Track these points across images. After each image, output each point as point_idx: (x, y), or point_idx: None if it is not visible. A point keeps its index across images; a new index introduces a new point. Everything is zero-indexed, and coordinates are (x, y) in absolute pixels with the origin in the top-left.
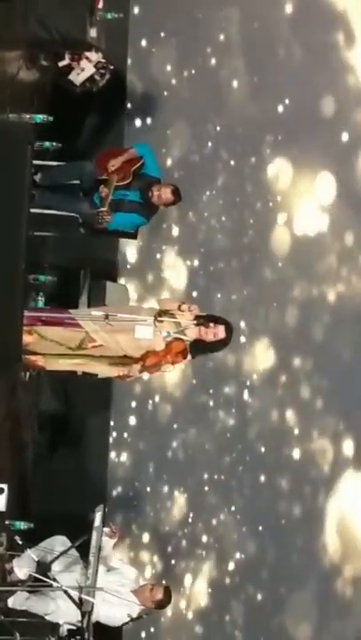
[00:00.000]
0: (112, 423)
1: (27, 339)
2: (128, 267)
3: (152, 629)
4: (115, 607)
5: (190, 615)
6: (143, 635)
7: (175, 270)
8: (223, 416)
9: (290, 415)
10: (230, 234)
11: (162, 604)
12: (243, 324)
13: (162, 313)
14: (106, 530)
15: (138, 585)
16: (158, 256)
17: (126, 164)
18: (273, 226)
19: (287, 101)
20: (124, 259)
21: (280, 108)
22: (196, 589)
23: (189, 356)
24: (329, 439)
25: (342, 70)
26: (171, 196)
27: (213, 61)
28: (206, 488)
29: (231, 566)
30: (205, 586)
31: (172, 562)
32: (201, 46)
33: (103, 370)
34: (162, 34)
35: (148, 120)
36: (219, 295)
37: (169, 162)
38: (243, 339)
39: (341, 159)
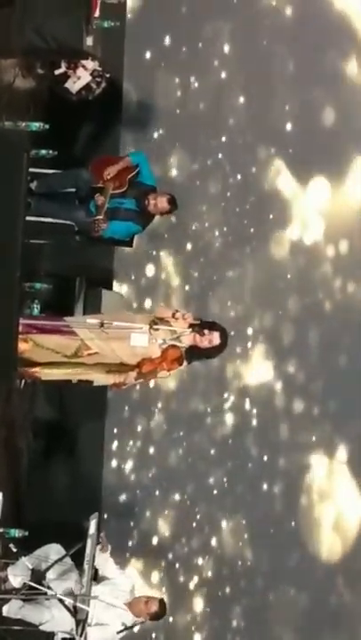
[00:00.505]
0: (107, 431)
1: (22, 346)
2: (125, 274)
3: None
4: (106, 626)
5: (189, 621)
6: None
7: (171, 278)
8: (220, 423)
9: (288, 423)
10: (229, 243)
11: (156, 617)
12: (245, 332)
13: (157, 321)
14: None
15: (132, 596)
16: (153, 264)
17: (122, 172)
18: (273, 235)
19: (287, 109)
20: (121, 265)
21: (280, 120)
22: (194, 597)
23: (185, 363)
24: (323, 447)
25: (343, 81)
26: (167, 205)
27: (211, 70)
28: (203, 495)
29: (230, 573)
30: (204, 592)
31: (169, 569)
32: (198, 55)
33: (99, 377)
34: (158, 42)
35: (144, 128)
36: (216, 304)
37: (164, 170)
38: (240, 347)
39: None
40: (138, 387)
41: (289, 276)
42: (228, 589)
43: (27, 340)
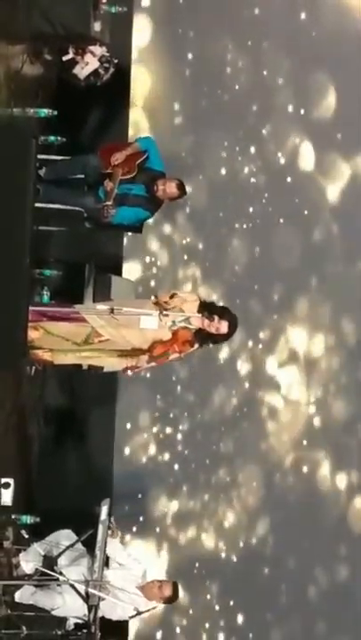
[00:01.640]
0: (118, 416)
1: (32, 334)
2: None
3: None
4: (119, 606)
5: (198, 606)
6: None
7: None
8: (231, 407)
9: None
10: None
11: (170, 601)
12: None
13: (166, 306)
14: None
15: (145, 581)
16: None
17: (131, 158)
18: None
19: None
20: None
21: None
22: (204, 581)
23: (196, 345)
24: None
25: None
26: (176, 191)
27: (220, 54)
28: (213, 480)
29: (237, 557)
30: (213, 579)
31: (180, 555)
32: (207, 40)
33: (110, 362)
34: (166, 28)
35: (152, 113)
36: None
37: (173, 154)
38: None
39: None
40: (149, 373)
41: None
42: (237, 572)
43: (37, 328)
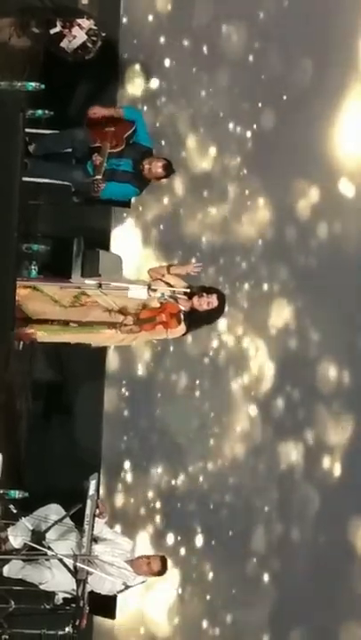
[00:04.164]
0: (106, 392)
1: (21, 292)
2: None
3: None
4: (108, 581)
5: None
6: None
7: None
8: (222, 387)
9: None
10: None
11: (158, 574)
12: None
13: (154, 282)
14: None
15: (133, 556)
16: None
17: (118, 130)
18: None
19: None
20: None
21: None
22: (193, 554)
23: (183, 327)
24: None
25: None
26: (161, 171)
27: (209, 25)
28: (201, 455)
29: (230, 534)
30: (202, 549)
31: (167, 531)
32: (195, 13)
33: (99, 339)
34: (154, 1)
35: (141, 87)
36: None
37: (161, 127)
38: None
39: None
40: (137, 347)
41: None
42: (226, 554)
43: (25, 287)
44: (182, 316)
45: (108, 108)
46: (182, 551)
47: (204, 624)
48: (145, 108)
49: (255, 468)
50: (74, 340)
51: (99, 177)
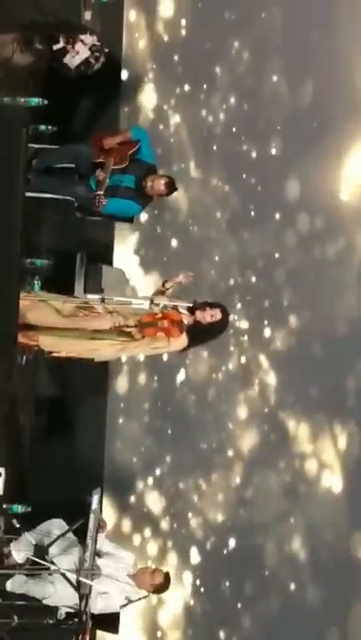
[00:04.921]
0: (109, 406)
1: (23, 302)
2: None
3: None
4: (111, 596)
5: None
6: None
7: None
8: (227, 401)
9: None
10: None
11: (160, 589)
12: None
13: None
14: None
15: (135, 569)
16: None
17: (123, 148)
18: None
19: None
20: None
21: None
22: (190, 571)
23: (185, 338)
24: None
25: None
26: (163, 188)
27: (211, 42)
28: (205, 468)
29: (232, 543)
30: (199, 564)
31: (169, 545)
32: (198, 29)
33: (99, 349)
34: (157, 17)
35: (144, 103)
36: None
37: (162, 144)
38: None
39: None
40: (142, 361)
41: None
42: (226, 557)
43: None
44: (185, 327)
45: (117, 134)
46: (179, 563)
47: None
48: (147, 124)
49: (265, 482)
50: (74, 352)
51: (100, 192)
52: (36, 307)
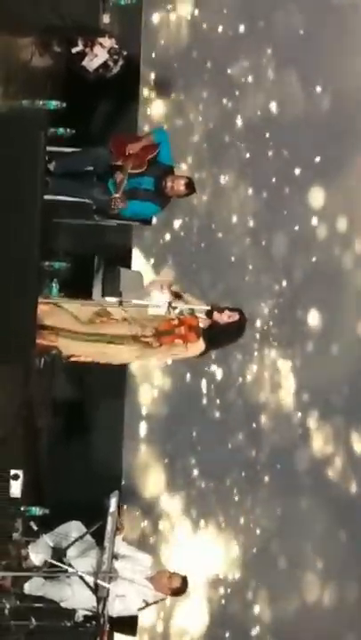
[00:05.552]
0: (127, 409)
1: (41, 307)
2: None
3: None
4: (128, 599)
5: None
6: None
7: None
8: (237, 405)
9: None
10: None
11: (178, 592)
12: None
13: (174, 298)
14: None
15: (153, 572)
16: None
17: (143, 152)
18: None
19: None
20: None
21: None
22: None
23: (202, 343)
24: None
25: None
26: (183, 189)
27: (228, 45)
28: (221, 472)
29: (252, 545)
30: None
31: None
32: (216, 30)
33: (116, 354)
34: (175, 18)
35: (162, 106)
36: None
37: (182, 147)
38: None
39: None
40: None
41: None
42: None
43: (47, 302)
44: (201, 332)
45: (140, 139)
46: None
47: None
48: (165, 126)
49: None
50: (92, 356)
51: (117, 195)
52: (54, 313)
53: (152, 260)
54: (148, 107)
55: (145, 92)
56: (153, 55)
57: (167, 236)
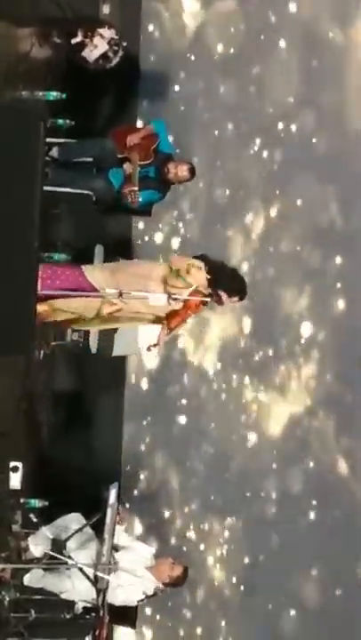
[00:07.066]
0: (126, 401)
1: (40, 307)
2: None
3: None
4: (129, 589)
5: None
6: None
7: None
8: (240, 398)
9: None
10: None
11: (177, 582)
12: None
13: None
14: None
15: (153, 562)
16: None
17: (146, 143)
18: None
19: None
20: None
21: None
22: (208, 565)
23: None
24: None
25: None
26: (187, 174)
27: (228, 38)
28: (222, 464)
29: (248, 541)
30: (219, 560)
31: (186, 539)
32: (216, 21)
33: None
34: (175, 10)
35: (162, 97)
36: None
37: (182, 137)
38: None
39: None
40: (157, 357)
41: None
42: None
43: (46, 304)
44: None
45: (139, 130)
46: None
47: None
48: (166, 117)
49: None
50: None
51: (135, 187)
52: (55, 315)
53: (152, 251)
54: (147, 98)
55: (144, 83)
56: (152, 46)
57: (166, 228)
